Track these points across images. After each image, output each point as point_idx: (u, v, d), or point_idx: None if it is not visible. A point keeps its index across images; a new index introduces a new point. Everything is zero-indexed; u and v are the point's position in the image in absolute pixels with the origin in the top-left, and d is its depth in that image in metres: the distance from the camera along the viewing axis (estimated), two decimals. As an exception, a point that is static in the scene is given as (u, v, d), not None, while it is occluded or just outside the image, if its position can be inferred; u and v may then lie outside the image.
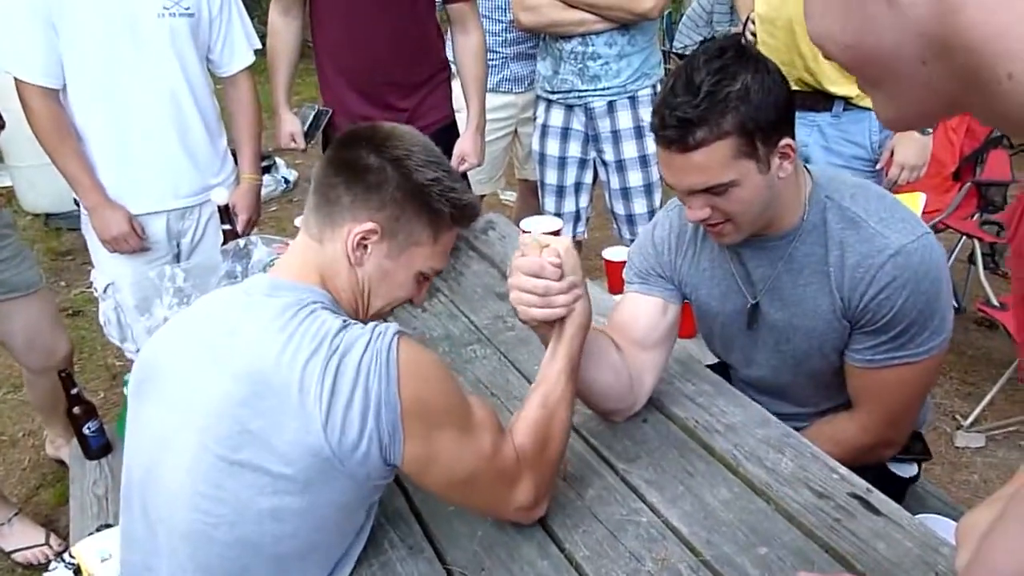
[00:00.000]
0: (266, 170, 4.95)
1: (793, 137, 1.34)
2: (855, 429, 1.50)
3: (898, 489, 1.61)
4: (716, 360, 1.87)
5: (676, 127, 1.28)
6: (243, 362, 1.09)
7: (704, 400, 1.56)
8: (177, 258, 2.39)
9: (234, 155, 2.48)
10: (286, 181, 5.21)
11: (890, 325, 1.38)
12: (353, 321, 1.13)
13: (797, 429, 1.53)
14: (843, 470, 1.35)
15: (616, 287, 2.40)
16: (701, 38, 6.86)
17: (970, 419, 2.68)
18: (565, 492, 1.36)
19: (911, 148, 2.20)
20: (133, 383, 1.21)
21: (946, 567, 1.15)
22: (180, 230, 2.38)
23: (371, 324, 1.12)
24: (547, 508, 1.30)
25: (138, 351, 2.36)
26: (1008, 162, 3.04)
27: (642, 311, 1.54)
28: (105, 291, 2.33)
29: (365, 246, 1.19)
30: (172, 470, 1.10)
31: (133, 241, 2.23)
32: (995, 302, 2.91)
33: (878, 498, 1.29)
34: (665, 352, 1.54)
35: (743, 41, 1.33)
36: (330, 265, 1.20)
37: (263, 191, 2.72)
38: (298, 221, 2.38)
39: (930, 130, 2.20)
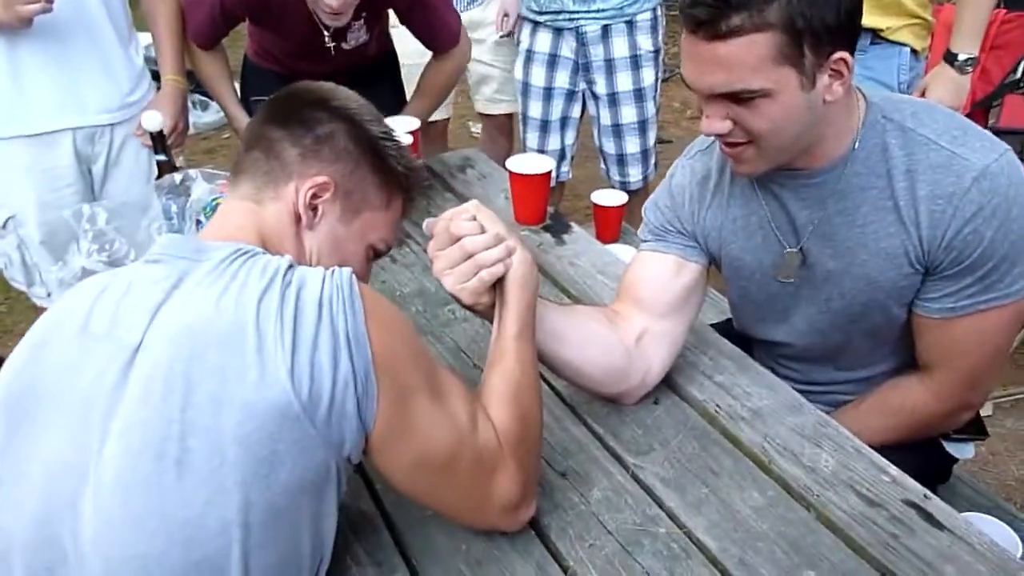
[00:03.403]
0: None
1: (852, 53, 1.10)
2: (929, 396, 1.28)
3: (947, 471, 1.44)
4: (720, 320, 1.66)
5: (709, 6, 1.04)
6: (173, 327, 0.86)
7: (725, 379, 1.33)
8: (91, 188, 2.06)
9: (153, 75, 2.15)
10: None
11: (977, 264, 1.15)
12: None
13: (848, 399, 1.33)
14: (893, 470, 1.14)
15: (607, 236, 2.15)
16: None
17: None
18: (566, 493, 1.13)
19: (947, 88, 1.96)
20: None
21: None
22: (91, 154, 2.03)
23: (320, 267, 0.93)
24: (546, 513, 1.09)
25: (49, 296, 2.08)
26: (1026, 109, 2.83)
27: (651, 271, 1.31)
28: (5, 226, 1.99)
29: (316, 207, 1.03)
30: (92, 501, 0.83)
31: None
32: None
33: (937, 507, 1.09)
34: (682, 321, 1.30)
35: None
36: (273, 228, 1.00)
37: (196, 120, 2.38)
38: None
39: (970, 68, 1.96)
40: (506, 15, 2.74)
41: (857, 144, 1.18)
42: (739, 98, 1.09)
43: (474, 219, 1.04)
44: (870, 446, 1.18)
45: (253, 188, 1.03)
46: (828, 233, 1.24)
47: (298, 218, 1.02)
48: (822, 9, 1.04)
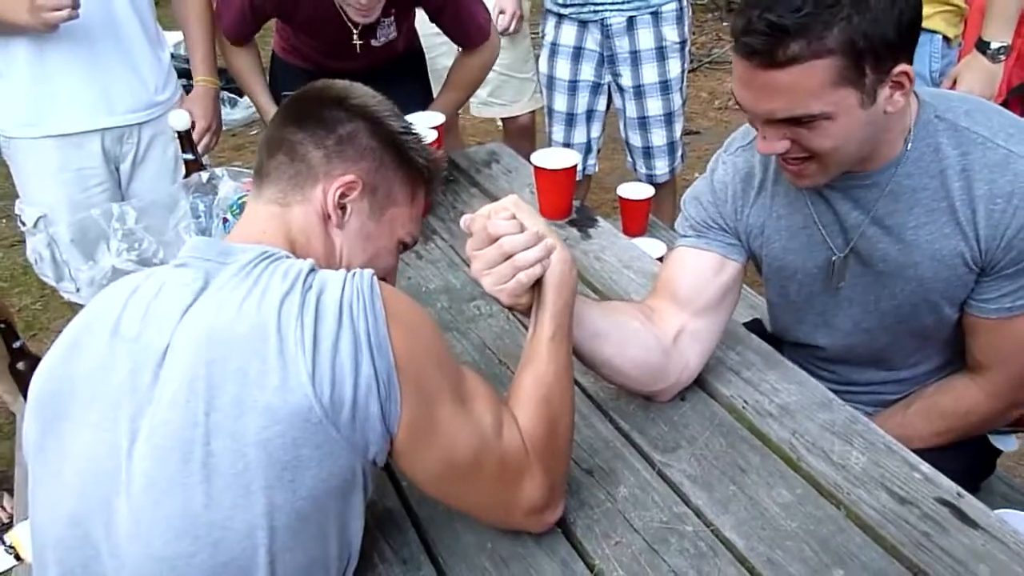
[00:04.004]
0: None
1: (911, 62, 1.07)
2: (983, 396, 1.26)
3: (992, 463, 1.42)
4: (748, 320, 1.64)
5: (765, 35, 1.01)
6: (197, 330, 0.86)
7: (752, 374, 1.32)
8: (119, 185, 2.08)
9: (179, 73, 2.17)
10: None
11: None
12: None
13: (893, 399, 1.31)
14: (926, 468, 1.12)
15: (633, 229, 2.15)
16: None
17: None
18: (591, 490, 1.13)
19: (979, 77, 1.92)
20: (32, 421, 0.92)
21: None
22: (119, 154, 2.05)
23: (343, 269, 0.93)
24: (572, 509, 1.08)
25: (78, 291, 2.11)
26: (1063, 95, 2.76)
27: (691, 268, 1.29)
28: (36, 225, 2.02)
29: (344, 206, 1.03)
30: (125, 500, 0.84)
31: None
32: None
33: (971, 504, 1.07)
34: (720, 319, 1.28)
35: None
36: (301, 230, 1.00)
37: (224, 117, 2.39)
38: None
39: (1003, 56, 1.92)
40: (502, 12, 2.72)
41: (910, 145, 1.16)
42: (799, 121, 1.07)
43: (513, 217, 1.01)
44: (920, 451, 1.16)
45: (279, 192, 1.03)
46: (879, 235, 1.21)
47: (327, 218, 1.02)
48: (883, 26, 1.01)
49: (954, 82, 1.97)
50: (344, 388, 0.84)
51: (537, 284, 1.02)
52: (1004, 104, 2.89)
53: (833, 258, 1.26)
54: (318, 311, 0.86)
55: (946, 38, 2.02)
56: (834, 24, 0.99)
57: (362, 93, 1.08)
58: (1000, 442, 1.38)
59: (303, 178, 1.02)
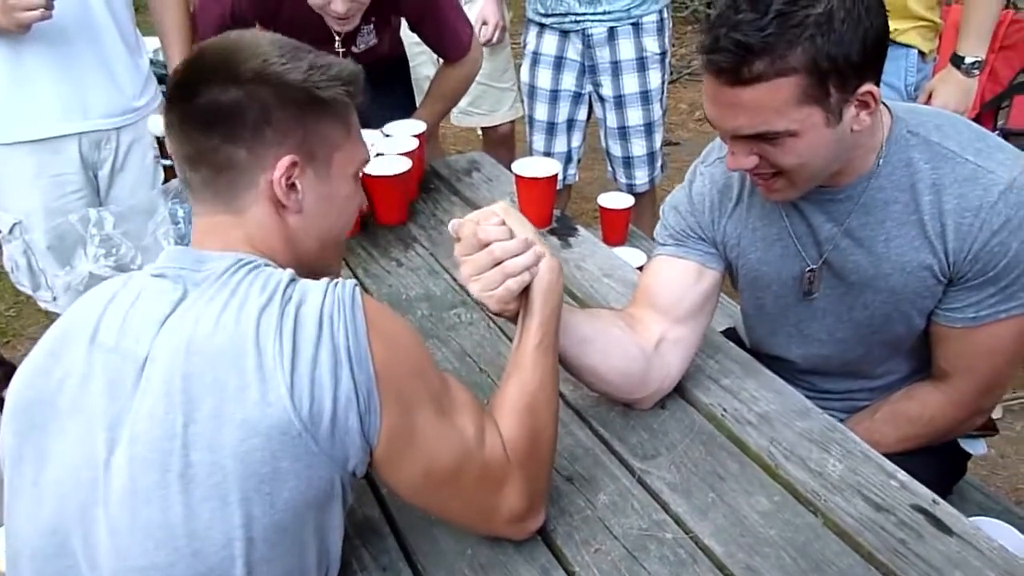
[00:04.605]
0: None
1: (878, 83, 1.08)
2: (947, 403, 1.28)
3: (962, 467, 1.44)
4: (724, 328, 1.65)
5: (730, 52, 1.02)
6: (176, 341, 0.85)
7: (731, 383, 1.33)
8: (96, 192, 2.06)
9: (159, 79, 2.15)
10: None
11: (1001, 275, 1.15)
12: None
13: (865, 405, 1.34)
14: (902, 475, 1.13)
15: (613, 238, 2.16)
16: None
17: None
18: (571, 497, 1.13)
19: (953, 91, 1.95)
20: (9, 430, 0.90)
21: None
22: (96, 160, 2.03)
23: (324, 279, 0.91)
24: (552, 517, 1.08)
25: (55, 300, 2.09)
26: (1035, 109, 2.81)
27: (670, 276, 1.30)
28: (11, 231, 1.99)
29: (293, 185, 0.96)
30: (103, 510, 0.83)
31: None
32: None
33: (946, 511, 1.08)
34: (699, 327, 1.29)
35: None
36: (257, 229, 0.97)
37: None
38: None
39: (977, 71, 1.95)
40: (484, 23, 2.73)
41: (882, 159, 1.18)
42: (765, 137, 1.09)
43: (503, 223, 1.01)
44: (892, 456, 1.17)
45: (221, 204, 0.96)
46: (851, 247, 1.23)
47: (282, 207, 0.97)
48: (848, 47, 1.02)
49: (929, 96, 2.00)
50: (323, 402, 0.83)
51: (524, 291, 1.02)
52: (976, 118, 2.95)
53: (806, 270, 1.28)
54: (297, 323, 0.85)
55: (921, 52, 2.05)
56: (797, 44, 1.01)
57: (247, 54, 0.95)
58: (969, 446, 1.41)
59: (238, 183, 0.95)
